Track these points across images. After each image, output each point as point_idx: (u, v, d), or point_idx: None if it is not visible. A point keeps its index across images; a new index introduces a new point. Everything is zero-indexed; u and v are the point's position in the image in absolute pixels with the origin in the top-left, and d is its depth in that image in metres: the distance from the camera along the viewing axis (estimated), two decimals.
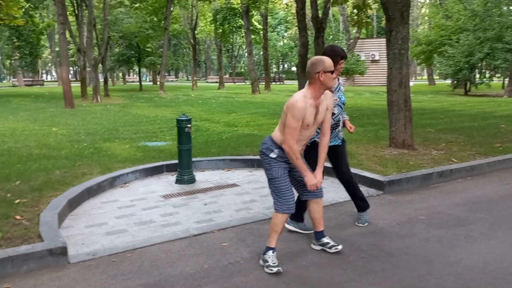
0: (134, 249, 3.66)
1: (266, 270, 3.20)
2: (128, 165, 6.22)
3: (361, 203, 4.18)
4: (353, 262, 3.36)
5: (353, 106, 16.14)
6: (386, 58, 7.21)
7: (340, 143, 4.08)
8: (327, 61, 3.16)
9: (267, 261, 3.24)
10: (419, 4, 57.02)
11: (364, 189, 5.32)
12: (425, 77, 53.39)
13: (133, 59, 34.23)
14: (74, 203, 4.72)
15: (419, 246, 3.64)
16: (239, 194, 5.23)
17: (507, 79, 23.45)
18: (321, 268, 3.25)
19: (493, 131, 8.99)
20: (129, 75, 64.66)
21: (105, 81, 28.27)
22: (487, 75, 24.74)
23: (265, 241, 3.44)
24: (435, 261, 3.34)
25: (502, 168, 6.33)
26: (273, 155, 3.26)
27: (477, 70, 24.11)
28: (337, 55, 3.80)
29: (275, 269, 3.16)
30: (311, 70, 3.17)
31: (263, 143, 3.34)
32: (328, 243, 3.53)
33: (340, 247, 3.51)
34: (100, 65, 25.47)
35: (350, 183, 4.14)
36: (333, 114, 3.84)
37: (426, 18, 52.13)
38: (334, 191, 5.28)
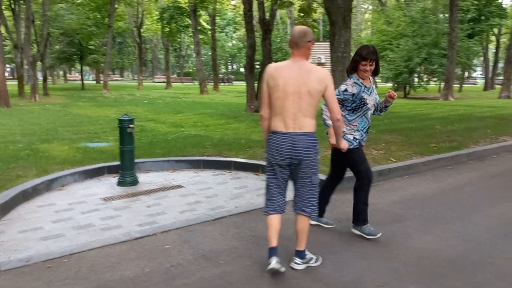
0: (71, 254, 3.50)
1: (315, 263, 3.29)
2: (67, 167, 5.96)
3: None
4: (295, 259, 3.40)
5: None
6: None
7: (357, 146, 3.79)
8: (312, 31, 3.11)
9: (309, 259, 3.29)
10: (362, 9, 59.11)
11: None
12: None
13: (75, 57, 32.91)
14: (7, 207, 4.44)
15: (358, 243, 3.76)
16: (184, 196, 5.15)
17: (443, 83, 24.82)
18: (264, 267, 3.27)
19: (429, 132, 9.47)
20: (70, 74, 62.04)
21: (45, 80, 26.93)
22: (425, 79, 26.10)
23: (209, 242, 3.41)
24: (373, 257, 3.46)
25: (437, 166, 6.68)
26: (318, 156, 3.17)
27: (415, 74, 25.38)
28: (356, 54, 3.68)
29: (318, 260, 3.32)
30: (303, 39, 3.01)
31: (313, 141, 3.08)
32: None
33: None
34: (39, 62, 24.21)
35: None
36: (371, 114, 3.84)
37: (369, 23, 54.19)
38: None
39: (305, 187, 3.16)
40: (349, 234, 3.95)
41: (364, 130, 3.80)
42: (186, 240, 3.79)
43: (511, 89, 23.29)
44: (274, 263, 3.05)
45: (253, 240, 3.78)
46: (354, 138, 3.76)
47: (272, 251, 3.13)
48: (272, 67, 3.09)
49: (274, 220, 3.20)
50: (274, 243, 3.14)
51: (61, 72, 55.46)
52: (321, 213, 4.12)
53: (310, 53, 3.11)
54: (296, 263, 3.24)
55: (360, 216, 3.87)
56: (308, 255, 3.31)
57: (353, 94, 3.64)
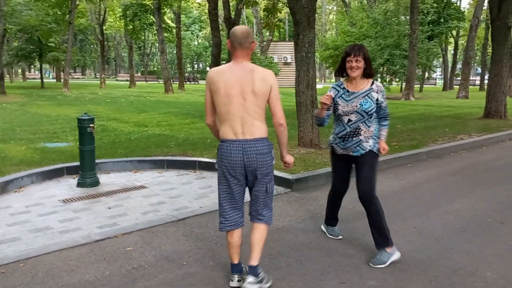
0: (27, 258, 3.36)
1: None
2: (24, 168, 5.74)
3: (379, 237, 3.41)
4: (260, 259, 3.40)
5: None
6: None
7: (363, 153, 3.44)
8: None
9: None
10: (327, 10, 60.03)
11: None
12: (334, 80, 56.25)
13: (34, 54, 31.70)
14: None
15: (322, 241, 3.80)
16: (147, 196, 5.06)
17: (404, 83, 25.52)
18: (227, 267, 3.25)
19: (390, 131, 9.64)
20: (29, 72, 59.86)
21: (1, 78, 25.75)
22: (387, 79, 26.76)
23: (172, 243, 3.35)
24: (336, 254, 3.51)
25: (398, 165, 6.86)
26: (274, 162, 2.95)
27: (378, 74, 25.97)
28: (344, 52, 3.43)
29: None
30: (248, 39, 2.82)
31: (272, 148, 2.88)
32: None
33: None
34: None
35: (370, 204, 3.43)
36: (349, 120, 3.40)
37: (334, 24, 55.06)
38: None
39: (260, 195, 2.93)
40: (313, 232, 3.99)
41: (339, 135, 3.47)
42: (148, 242, 3.72)
43: (469, 89, 24.24)
44: (235, 281, 2.95)
45: (217, 241, 3.76)
46: (329, 139, 3.69)
47: (234, 268, 2.98)
48: (213, 71, 2.85)
49: (233, 237, 2.94)
50: (235, 259, 2.96)
51: (20, 70, 53.41)
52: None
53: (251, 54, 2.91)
54: (249, 282, 2.85)
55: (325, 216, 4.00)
56: (261, 272, 2.96)
57: (333, 98, 3.47)
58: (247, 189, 2.99)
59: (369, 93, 3.39)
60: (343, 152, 3.53)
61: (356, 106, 3.37)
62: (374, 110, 3.38)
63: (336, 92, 3.49)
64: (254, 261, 2.90)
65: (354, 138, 3.42)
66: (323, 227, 4.03)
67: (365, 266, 3.30)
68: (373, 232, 3.43)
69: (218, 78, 2.79)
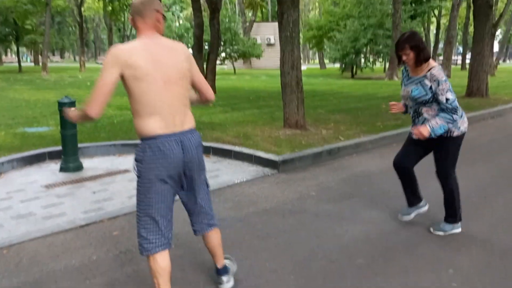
0: (10, 245, 3.29)
1: None
2: (4, 153, 5.58)
3: (449, 210, 3.56)
4: (248, 241, 3.40)
5: (250, 89, 16.38)
6: None
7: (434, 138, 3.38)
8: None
9: None
10: None
11: (259, 169, 5.43)
12: (317, 61, 56.13)
13: (10, 37, 30.79)
14: None
15: (310, 221, 3.81)
16: (132, 181, 4.99)
17: (388, 63, 25.59)
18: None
19: (375, 111, 9.75)
20: (6, 56, 58.20)
21: None
22: (371, 60, 26.83)
23: None
24: (324, 235, 3.52)
25: (383, 144, 6.89)
26: None
27: (362, 54, 26.00)
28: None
29: None
30: (149, 6, 2.29)
31: (200, 137, 2.45)
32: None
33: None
34: None
35: (445, 182, 3.52)
36: (408, 105, 3.53)
37: (317, 4, 54.66)
38: (231, 173, 5.30)
39: (205, 195, 2.55)
40: (301, 213, 3.99)
41: (412, 118, 3.50)
42: (135, 226, 3.64)
43: (451, 68, 24.44)
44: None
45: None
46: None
47: None
48: (122, 49, 2.17)
49: (165, 259, 2.34)
50: None
51: None
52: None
53: (163, 27, 2.36)
54: (227, 281, 2.69)
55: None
56: (227, 264, 2.75)
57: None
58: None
59: (422, 80, 3.25)
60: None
61: (408, 92, 3.35)
62: (425, 99, 3.25)
63: (402, 74, 3.52)
64: (220, 263, 2.69)
65: (419, 118, 3.40)
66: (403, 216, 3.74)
67: (354, 245, 3.31)
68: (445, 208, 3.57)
69: (139, 60, 2.16)
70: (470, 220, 3.77)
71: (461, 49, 42.81)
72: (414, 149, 3.59)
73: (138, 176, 2.33)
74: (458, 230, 3.57)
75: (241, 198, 4.44)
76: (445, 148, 3.42)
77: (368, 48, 25.48)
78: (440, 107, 3.26)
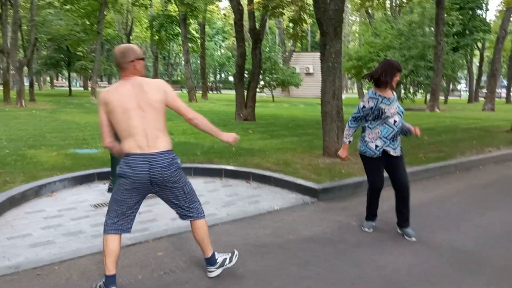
0: (61, 261, 3.46)
1: None
2: (56, 173, 5.89)
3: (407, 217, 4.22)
4: (288, 268, 3.42)
5: (289, 117, 16.51)
6: (319, 71, 7.49)
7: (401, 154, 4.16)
8: (137, 48, 2.96)
9: None
10: (350, 21, 59.88)
11: (299, 197, 5.46)
12: (356, 90, 55.90)
13: (63, 63, 32.62)
14: None
15: (350, 251, 3.78)
16: None
17: (429, 95, 25.19)
18: (255, 274, 3.27)
19: (417, 143, 9.59)
20: (57, 80, 61.45)
21: (31, 85, 26.62)
22: (411, 91, 26.48)
23: (200, 251, 3.39)
24: (365, 265, 3.49)
25: (425, 177, 6.76)
26: (181, 166, 3.04)
27: (402, 85, 25.73)
28: (393, 68, 3.93)
29: None
30: (124, 59, 2.85)
31: (176, 159, 2.96)
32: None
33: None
34: (25, 68, 23.94)
35: (408, 191, 4.20)
36: (395, 121, 3.97)
37: (357, 35, 54.87)
38: (271, 199, 5.35)
39: (181, 197, 3.03)
40: (340, 243, 3.97)
41: (389, 137, 3.98)
42: (178, 247, 3.77)
43: (495, 102, 23.75)
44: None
45: (245, 248, 3.78)
46: (376, 146, 4.01)
47: (110, 280, 2.88)
48: (103, 92, 2.88)
49: (115, 243, 2.93)
50: (113, 269, 2.89)
51: (48, 78, 54.94)
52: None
53: (143, 70, 2.95)
54: (209, 271, 3.19)
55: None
56: (219, 257, 3.19)
57: (371, 108, 3.92)
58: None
59: (396, 98, 4.07)
60: (394, 153, 4.05)
61: (397, 108, 3.97)
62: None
63: (376, 100, 3.92)
64: (206, 254, 3.15)
65: (398, 138, 4.04)
66: (364, 227, 4.36)
67: (397, 277, 3.27)
68: (403, 213, 4.17)
69: (111, 97, 2.80)
70: None
71: (505, 82, 41.50)
72: (382, 172, 4.20)
73: (118, 178, 2.93)
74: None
75: (281, 224, 4.47)
76: (402, 159, 4.16)
77: (409, 79, 25.21)
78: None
